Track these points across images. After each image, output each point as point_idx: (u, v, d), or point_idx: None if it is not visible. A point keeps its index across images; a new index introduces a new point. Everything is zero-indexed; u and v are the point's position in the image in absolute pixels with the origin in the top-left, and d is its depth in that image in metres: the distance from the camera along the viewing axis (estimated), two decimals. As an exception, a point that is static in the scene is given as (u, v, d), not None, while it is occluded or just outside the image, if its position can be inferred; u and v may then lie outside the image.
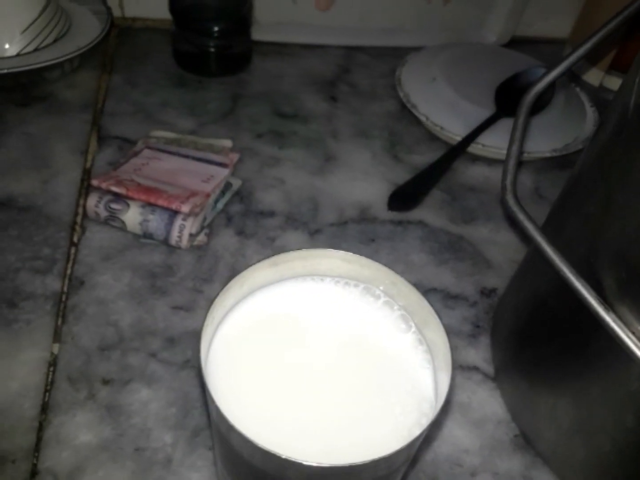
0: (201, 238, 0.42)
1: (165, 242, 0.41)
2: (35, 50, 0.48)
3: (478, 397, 0.37)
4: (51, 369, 0.35)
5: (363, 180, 0.50)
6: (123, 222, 0.41)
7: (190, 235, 0.41)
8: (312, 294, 0.25)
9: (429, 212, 0.48)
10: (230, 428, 0.20)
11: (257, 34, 0.59)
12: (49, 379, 0.34)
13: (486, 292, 0.43)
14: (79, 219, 0.43)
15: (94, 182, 0.41)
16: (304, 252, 0.24)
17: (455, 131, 0.51)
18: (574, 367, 0.29)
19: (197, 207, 0.41)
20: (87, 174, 0.46)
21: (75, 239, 0.42)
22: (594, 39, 0.28)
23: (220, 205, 0.44)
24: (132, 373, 0.35)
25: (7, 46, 0.48)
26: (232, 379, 0.23)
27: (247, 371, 0.23)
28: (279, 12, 0.61)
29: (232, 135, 0.51)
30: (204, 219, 0.42)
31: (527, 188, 0.51)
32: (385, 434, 0.22)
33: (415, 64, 0.57)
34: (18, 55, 0.48)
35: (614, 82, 0.61)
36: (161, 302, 0.39)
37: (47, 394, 0.34)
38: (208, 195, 0.42)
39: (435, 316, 0.24)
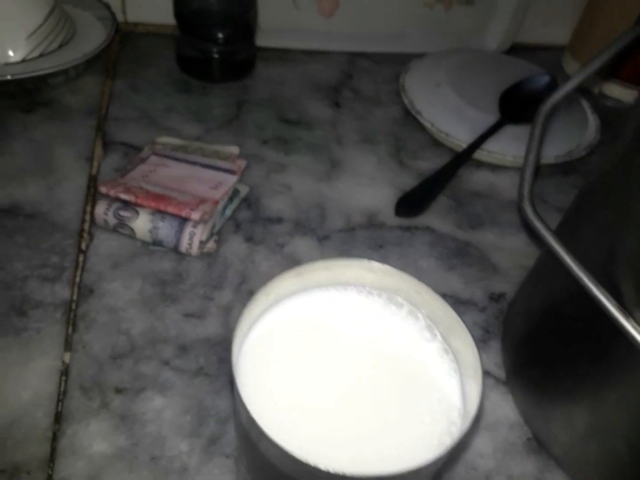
0: (210, 245, 0.42)
1: (175, 249, 0.41)
2: (41, 56, 0.48)
3: (490, 402, 0.37)
4: (63, 377, 0.35)
5: (369, 186, 0.50)
6: (132, 230, 0.41)
7: (201, 242, 0.41)
8: (337, 303, 0.25)
9: (436, 218, 0.48)
10: (261, 434, 0.20)
11: (260, 40, 0.59)
12: (62, 388, 0.34)
13: (495, 297, 0.43)
14: (86, 226, 0.42)
15: (102, 189, 0.41)
16: (328, 262, 0.25)
17: (460, 138, 0.51)
18: (590, 373, 0.30)
19: (206, 214, 0.41)
20: (93, 181, 0.46)
21: (83, 247, 0.41)
22: (610, 52, 0.28)
23: (228, 212, 0.44)
24: (145, 381, 0.35)
25: (11, 52, 0.47)
26: (261, 387, 0.23)
27: (275, 379, 0.23)
28: (282, 18, 0.61)
29: (237, 141, 0.51)
30: (213, 225, 0.42)
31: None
32: (415, 443, 0.22)
33: (419, 71, 0.57)
34: (23, 61, 0.47)
35: (614, 90, 0.62)
36: (172, 310, 0.39)
37: (60, 403, 0.34)
38: (217, 202, 0.42)
39: (462, 324, 0.24)
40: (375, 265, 0.25)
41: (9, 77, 0.45)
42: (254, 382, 0.22)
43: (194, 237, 0.40)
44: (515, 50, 0.68)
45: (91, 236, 0.42)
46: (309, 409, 0.23)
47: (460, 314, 0.42)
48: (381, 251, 0.45)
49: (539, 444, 0.35)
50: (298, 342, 0.24)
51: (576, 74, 0.30)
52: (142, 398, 0.34)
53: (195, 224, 0.40)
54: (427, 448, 0.22)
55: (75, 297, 0.38)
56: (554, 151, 0.52)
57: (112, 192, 0.41)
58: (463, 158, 0.50)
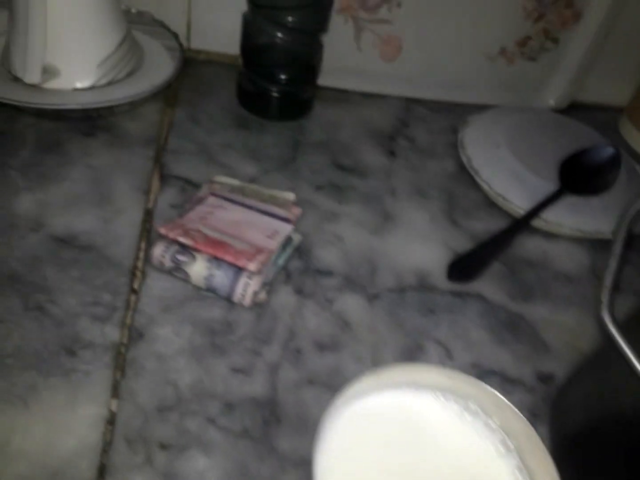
0: (262, 295, 0.42)
1: (228, 297, 0.41)
2: (109, 84, 0.48)
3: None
4: (109, 427, 0.34)
5: (421, 244, 0.49)
6: (188, 274, 0.40)
7: (254, 292, 0.40)
8: (412, 406, 0.25)
9: (488, 285, 0.47)
10: None
11: (320, 79, 0.59)
12: (107, 439, 0.34)
13: (543, 378, 0.42)
14: (139, 264, 0.42)
15: (162, 231, 0.41)
16: (407, 367, 0.24)
17: (517, 202, 0.51)
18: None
19: (262, 265, 0.41)
20: (149, 215, 0.46)
21: (135, 286, 0.41)
22: None
23: (281, 262, 0.44)
24: (190, 439, 0.35)
25: (81, 78, 0.47)
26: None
27: (349, 472, 0.23)
28: (344, 59, 0.61)
29: (292, 184, 0.51)
30: (266, 275, 0.42)
31: (584, 266, 0.51)
32: None
33: (478, 127, 0.57)
34: (92, 87, 0.47)
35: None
36: (220, 362, 0.38)
37: (105, 454, 0.33)
38: (272, 252, 0.42)
39: (542, 445, 0.23)
40: (454, 373, 0.24)
41: (79, 106, 0.45)
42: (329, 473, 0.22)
43: (248, 288, 0.40)
44: (573, 108, 0.67)
45: (144, 275, 0.42)
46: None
47: (507, 393, 0.41)
48: (432, 317, 0.44)
49: None
50: (375, 440, 0.24)
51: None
52: (186, 457, 0.34)
53: (251, 275, 0.40)
54: None
55: (125, 341, 0.38)
56: (611, 225, 0.50)
57: (171, 235, 0.41)
58: (520, 225, 0.49)
